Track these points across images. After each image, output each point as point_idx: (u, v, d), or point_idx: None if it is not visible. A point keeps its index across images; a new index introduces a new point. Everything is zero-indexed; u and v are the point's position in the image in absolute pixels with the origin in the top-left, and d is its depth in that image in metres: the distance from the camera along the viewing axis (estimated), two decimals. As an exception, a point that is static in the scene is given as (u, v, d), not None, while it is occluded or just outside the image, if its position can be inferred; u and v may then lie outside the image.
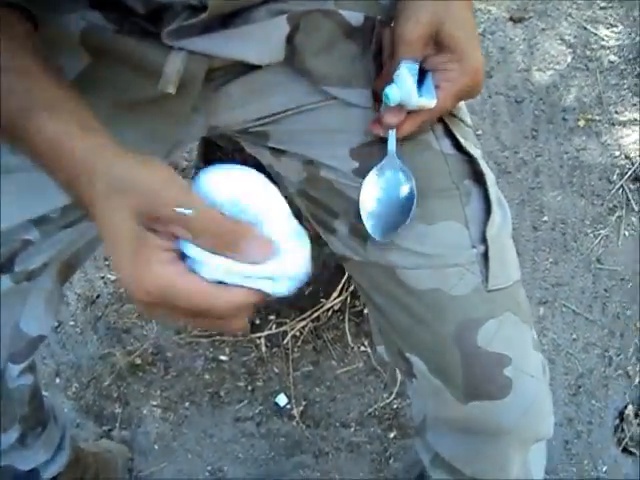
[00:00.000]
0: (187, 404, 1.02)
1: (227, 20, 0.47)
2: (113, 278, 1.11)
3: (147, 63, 0.47)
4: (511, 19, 1.38)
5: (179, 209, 0.35)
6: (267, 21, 0.48)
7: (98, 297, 1.09)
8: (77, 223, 0.56)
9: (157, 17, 0.45)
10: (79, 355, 1.05)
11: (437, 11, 0.46)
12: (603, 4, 1.40)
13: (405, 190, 0.49)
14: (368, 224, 0.50)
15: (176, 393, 1.02)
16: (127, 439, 0.99)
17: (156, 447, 0.98)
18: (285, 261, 0.37)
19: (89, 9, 0.47)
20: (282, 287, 0.37)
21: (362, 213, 0.50)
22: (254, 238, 0.37)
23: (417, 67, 0.47)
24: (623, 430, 0.98)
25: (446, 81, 0.47)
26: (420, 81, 0.48)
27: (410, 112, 0.48)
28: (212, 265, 0.36)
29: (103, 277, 1.11)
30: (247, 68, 0.51)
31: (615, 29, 1.36)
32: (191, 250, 0.37)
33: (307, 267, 0.38)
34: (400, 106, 0.47)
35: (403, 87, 0.46)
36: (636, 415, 0.99)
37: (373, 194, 0.50)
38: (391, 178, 0.50)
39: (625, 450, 0.97)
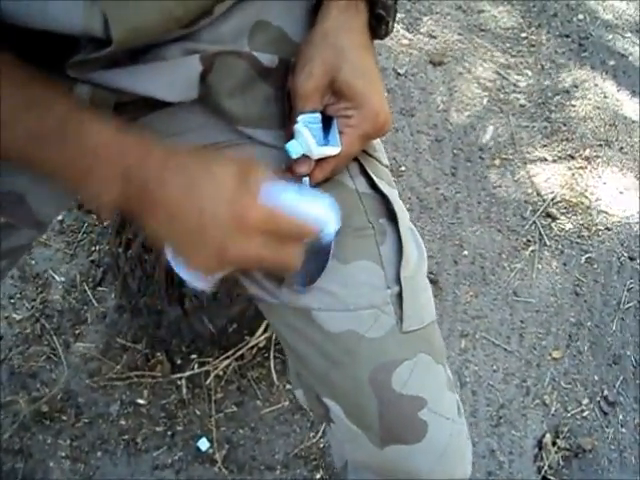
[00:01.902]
0: (99, 454, 0.94)
1: (136, 55, 0.46)
2: (18, 318, 1.03)
3: None
4: (431, 62, 1.45)
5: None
6: (179, 59, 0.47)
7: (1, 339, 1.01)
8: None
9: (61, 48, 0.43)
10: (-24, 404, 0.95)
11: (331, 59, 0.47)
12: (515, 52, 1.50)
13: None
14: (288, 277, 0.49)
15: (87, 442, 0.95)
16: (29, 496, 0.90)
17: (63, 503, 0.90)
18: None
19: None
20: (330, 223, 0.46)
21: None
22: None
23: (318, 116, 0.48)
24: (542, 459, 1.01)
25: (348, 127, 0.48)
26: (328, 126, 0.48)
27: (319, 160, 0.48)
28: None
29: (7, 317, 1.03)
30: (160, 104, 0.49)
31: (526, 76, 1.46)
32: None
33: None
34: (306, 156, 0.48)
35: (302, 141, 0.47)
36: (553, 443, 1.02)
37: None
38: None
39: (545, 478, 1.00)
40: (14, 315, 1.03)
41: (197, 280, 0.45)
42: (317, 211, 0.45)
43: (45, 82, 0.41)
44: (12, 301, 1.04)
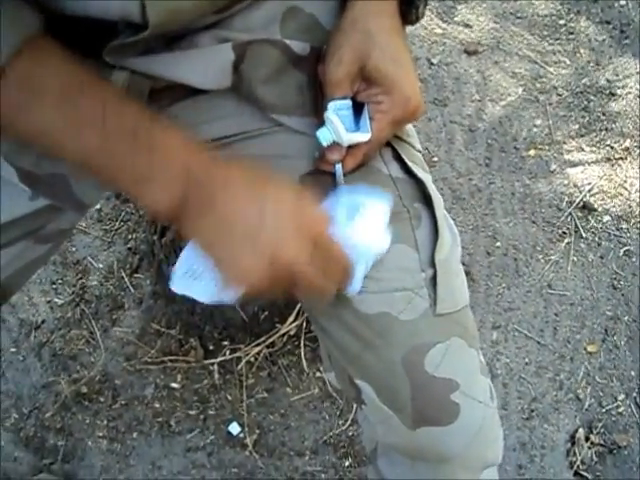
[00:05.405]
0: (135, 434, 0.98)
1: (171, 43, 0.47)
2: (60, 302, 1.07)
3: None
4: (465, 51, 1.42)
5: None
6: (212, 47, 0.48)
7: (43, 322, 1.05)
8: (14, 243, 0.53)
9: (98, 34, 0.45)
10: (20, 384, 1.00)
11: (361, 45, 0.47)
12: (552, 41, 1.46)
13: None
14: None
15: (124, 423, 0.98)
16: (69, 473, 0.94)
17: (101, 481, 0.94)
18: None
19: None
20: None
21: None
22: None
23: (349, 103, 0.48)
24: (575, 454, 0.99)
25: (378, 112, 0.48)
26: (360, 113, 0.49)
27: (350, 147, 0.49)
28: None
29: (49, 301, 1.07)
30: (193, 91, 0.50)
31: (563, 64, 1.42)
32: None
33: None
34: (337, 143, 0.48)
35: (332, 128, 0.48)
36: (587, 438, 1.00)
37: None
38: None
39: (577, 474, 0.98)
40: (55, 300, 1.07)
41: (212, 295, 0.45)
42: (362, 238, 0.46)
43: (115, 87, 0.44)
44: (54, 286, 1.08)
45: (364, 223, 0.46)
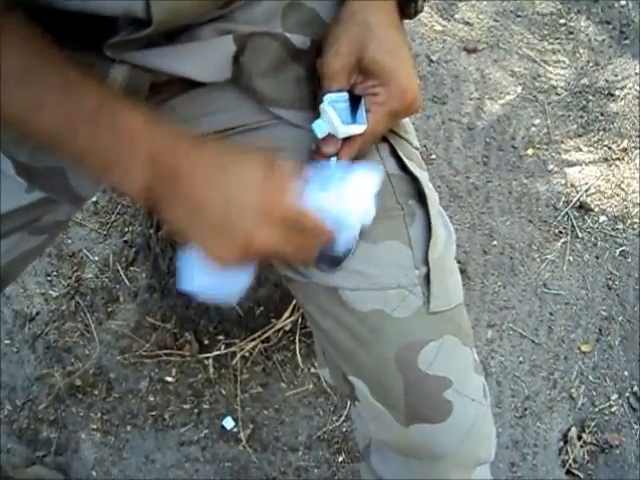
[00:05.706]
0: (129, 428, 0.97)
1: (172, 36, 0.47)
2: (55, 295, 1.06)
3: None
4: (465, 49, 1.42)
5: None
6: (213, 40, 0.48)
7: (38, 314, 1.04)
8: (8, 235, 0.53)
9: (100, 29, 0.44)
10: (14, 375, 1.00)
11: (358, 38, 0.46)
12: (551, 40, 1.46)
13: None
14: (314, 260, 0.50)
15: (117, 416, 0.98)
16: (63, 465, 0.94)
17: (94, 474, 0.94)
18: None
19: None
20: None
21: None
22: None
23: (345, 96, 0.48)
24: (567, 452, 0.99)
25: (375, 104, 0.48)
26: (357, 106, 0.48)
27: (346, 139, 0.49)
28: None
29: (44, 293, 1.06)
30: (192, 84, 0.50)
31: (562, 64, 1.42)
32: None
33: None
34: (333, 135, 0.48)
35: (327, 120, 0.48)
36: (579, 437, 1.01)
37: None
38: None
39: (569, 472, 0.99)
40: (50, 292, 1.07)
41: (220, 294, 0.46)
42: (341, 204, 0.46)
43: (79, 67, 0.43)
44: (49, 278, 1.08)
45: (348, 191, 0.46)
